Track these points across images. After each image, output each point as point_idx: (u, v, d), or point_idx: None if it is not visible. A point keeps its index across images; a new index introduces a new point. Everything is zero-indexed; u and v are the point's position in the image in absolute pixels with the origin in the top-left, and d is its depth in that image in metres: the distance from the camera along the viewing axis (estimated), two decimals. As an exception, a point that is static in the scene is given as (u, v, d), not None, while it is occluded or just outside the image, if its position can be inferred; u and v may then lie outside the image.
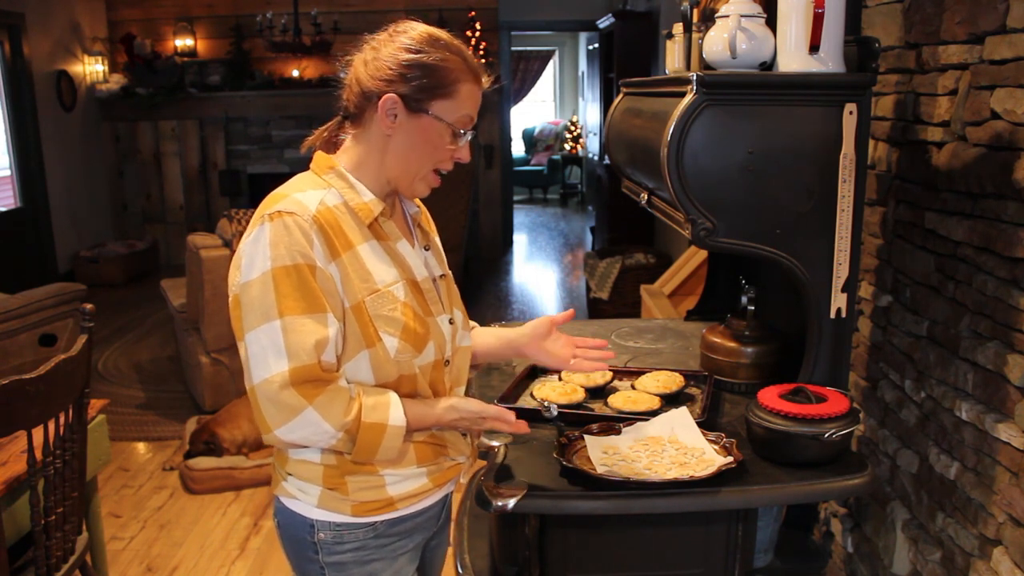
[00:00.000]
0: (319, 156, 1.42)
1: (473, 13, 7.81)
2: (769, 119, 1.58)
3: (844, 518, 2.43)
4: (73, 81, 7.35)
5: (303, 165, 1.44)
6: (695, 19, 1.93)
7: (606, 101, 7.30)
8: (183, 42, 7.85)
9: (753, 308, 1.92)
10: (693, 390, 1.90)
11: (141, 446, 4.01)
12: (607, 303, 5.36)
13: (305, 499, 1.38)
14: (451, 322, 1.45)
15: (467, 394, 1.55)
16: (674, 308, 3.79)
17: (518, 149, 12.78)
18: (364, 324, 1.31)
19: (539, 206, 12.23)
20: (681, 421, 1.61)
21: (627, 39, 6.49)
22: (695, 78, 1.53)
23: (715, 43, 1.66)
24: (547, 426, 1.67)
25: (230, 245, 4.11)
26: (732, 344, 1.92)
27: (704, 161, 1.56)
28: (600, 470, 1.45)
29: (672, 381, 1.85)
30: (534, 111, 13.60)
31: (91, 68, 7.63)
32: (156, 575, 2.92)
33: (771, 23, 1.67)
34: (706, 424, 1.65)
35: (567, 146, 12.48)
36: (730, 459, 1.47)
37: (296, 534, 1.41)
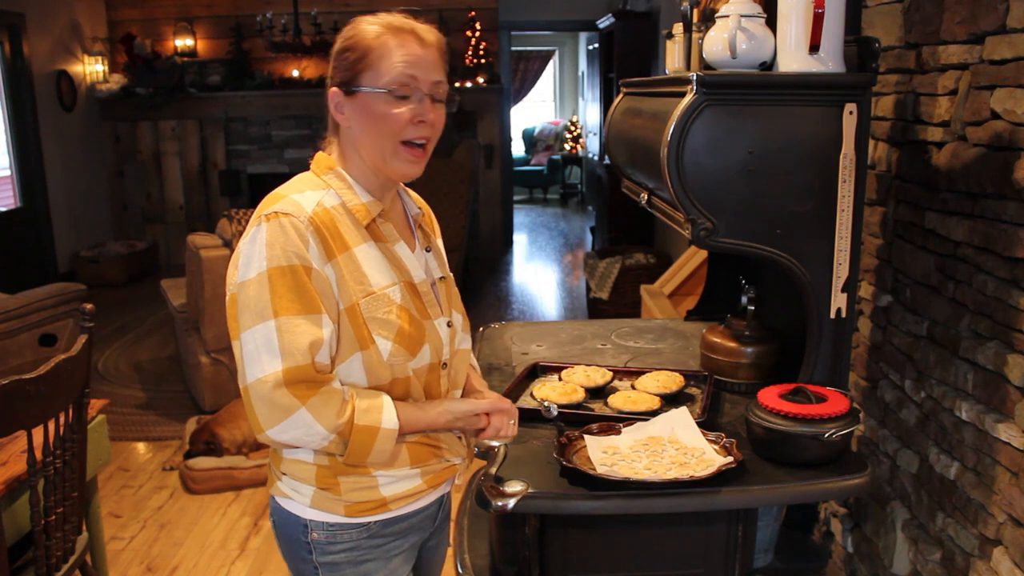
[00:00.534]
0: (319, 157, 1.42)
1: (473, 13, 7.81)
2: (769, 119, 1.58)
3: (844, 518, 2.43)
4: (73, 81, 7.35)
5: (303, 165, 1.44)
6: (695, 19, 1.93)
7: (606, 101, 7.30)
8: (183, 42, 7.85)
9: (753, 308, 1.92)
10: (693, 390, 1.90)
11: (141, 446, 4.01)
12: (607, 303, 5.36)
13: (299, 499, 1.38)
14: (449, 325, 1.45)
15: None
16: (674, 308, 3.79)
17: (518, 149, 12.78)
18: (358, 326, 1.31)
19: (539, 206, 12.23)
20: (681, 421, 1.61)
21: (627, 39, 6.49)
22: (695, 78, 1.53)
23: (715, 43, 1.66)
24: (547, 426, 1.67)
25: (230, 245, 4.11)
26: (732, 344, 1.92)
27: (704, 161, 1.56)
28: (600, 470, 1.45)
29: (672, 381, 1.85)
30: (534, 111, 13.60)
31: (91, 68, 7.63)
32: (156, 575, 2.92)
33: (771, 23, 1.67)
34: (706, 424, 1.65)
35: (567, 146, 12.48)
36: (730, 459, 1.47)
37: (291, 534, 1.41)
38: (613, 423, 1.63)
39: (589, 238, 8.88)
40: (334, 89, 1.36)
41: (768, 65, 1.67)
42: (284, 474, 1.40)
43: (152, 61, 7.72)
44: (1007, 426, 1.65)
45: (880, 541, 2.19)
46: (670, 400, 1.80)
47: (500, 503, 1.39)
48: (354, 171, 1.39)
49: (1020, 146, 1.61)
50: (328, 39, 7.49)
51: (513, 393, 1.83)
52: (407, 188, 1.55)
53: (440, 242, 1.58)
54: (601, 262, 5.58)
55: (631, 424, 1.62)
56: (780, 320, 2.00)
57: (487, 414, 1.41)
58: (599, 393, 1.86)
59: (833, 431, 1.47)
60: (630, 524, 1.60)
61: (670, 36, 2.09)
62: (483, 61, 7.89)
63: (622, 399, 1.77)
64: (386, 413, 1.31)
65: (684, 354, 2.20)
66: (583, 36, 11.69)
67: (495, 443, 1.43)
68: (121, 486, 3.59)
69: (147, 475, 3.70)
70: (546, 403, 1.60)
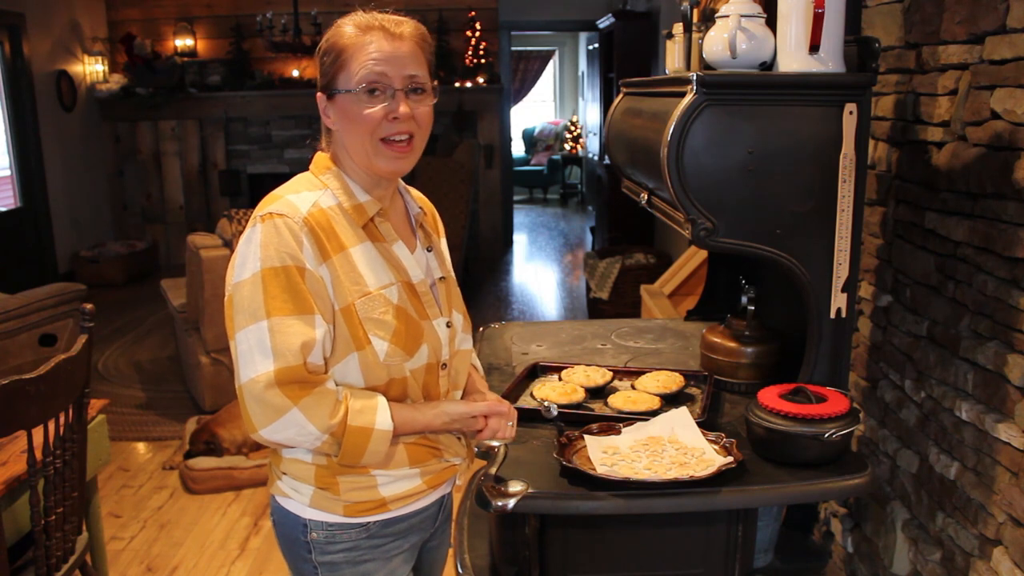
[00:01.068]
0: (318, 157, 1.42)
1: (473, 13, 7.81)
2: (769, 119, 1.58)
3: (844, 518, 2.43)
4: (73, 81, 7.35)
5: (303, 165, 1.44)
6: (695, 19, 1.93)
7: (606, 101, 7.30)
8: (183, 42, 7.85)
9: (753, 308, 1.92)
10: (693, 390, 1.90)
11: (141, 446, 4.01)
12: (607, 303, 5.36)
13: (298, 498, 1.38)
14: (449, 325, 1.44)
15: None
16: (674, 308, 3.79)
17: (518, 149, 12.78)
18: (354, 327, 1.31)
19: (539, 206, 12.23)
20: (681, 421, 1.61)
21: (627, 39, 6.49)
22: (695, 78, 1.53)
23: (715, 43, 1.66)
24: (547, 426, 1.67)
25: (230, 245, 4.11)
26: (732, 344, 1.92)
27: (704, 161, 1.56)
28: (600, 470, 1.45)
29: (672, 381, 1.85)
30: (534, 111, 13.60)
31: (91, 68, 7.63)
32: (156, 575, 2.92)
33: (771, 23, 1.67)
34: (706, 424, 1.65)
35: (567, 146, 12.48)
36: (730, 459, 1.47)
37: (290, 533, 1.41)
38: (613, 423, 1.63)
39: (589, 238, 8.88)
40: (319, 94, 1.37)
41: (768, 65, 1.67)
42: (284, 473, 1.40)
43: (152, 61, 7.72)
44: (1007, 426, 1.65)
45: (880, 541, 2.19)
46: (670, 400, 1.80)
47: (500, 503, 1.39)
48: (349, 171, 1.39)
49: (1020, 146, 1.61)
50: (328, 39, 7.48)
51: (513, 393, 1.83)
52: (409, 187, 1.55)
53: (443, 242, 1.57)
54: (601, 262, 5.58)
55: (631, 424, 1.62)
56: (780, 320, 2.00)
57: (485, 416, 1.41)
58: (599, 393, 1.86)
59: (833, 431, 1.47)
60: (630, 524, 1.60)
61: (670, 36, 2.09)
62: (483, 61, 7.89)
63: (622, 399, 1.77)
64: (380, 414, 1.30)
65: (684, 354, 2.20)
66: (583, 36, 11.69)
67: (495, 443, 1.43)
68: (121, 486, 3.59)
69: (147, 475, 3.70)
70: (546, 403, 1.60)
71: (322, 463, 1.36)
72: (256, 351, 1.25)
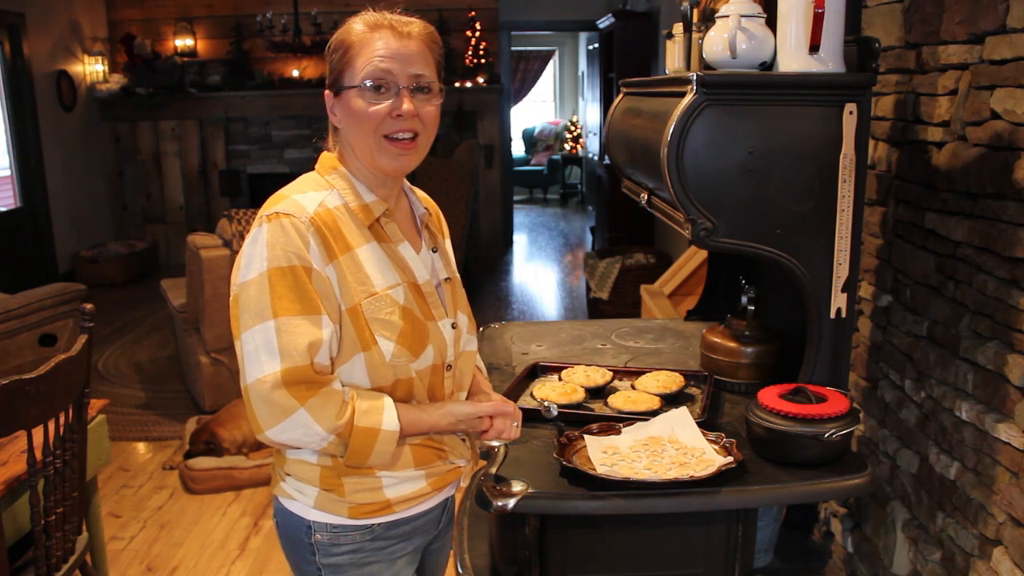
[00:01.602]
0: (324, 156, 1.42)
1: (473, 13, 7.81)
2: (769, 119, 1.58)
3: (844, 518, 2.43)
4: (73, 81, 7.35)
5: (303, 165, 1.44)
6: (695, 19, 1.93)
7: (606, 101, 7.30)
8: (183, 42, 7.85)
9: (753, 308, 1.92)
10: (693, 390, 1.90)
11: (141, 446, 4.01)
12: (607, 303, 5.36)
13: (302, 500, 1.38)
14: (454, 326, 1.44)
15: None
16: (674, 308, 3.79)
17: (518, 149, 12.78)
18: (360, 327, 1.31)
19: (539, 206, 12.23)
20: (681, 421, 1.61)
21: (627, 39, 6.49)
22: (695, 78, 1.53)
23: (715, 43, 1.66)
24: (547, 426, 1.67)
25: (230, 245, 4.11)
26: (732, 344, 1.92)
27: (704, 161, 1.56)
28: (600, 470, 1.45)
29: (672, 381, 1.85)
30: (534, 111, 13.60)
31: (91, 68, 7.63)
32: (156, 575, 2.92)
33: (771, 23, 1.67)
34: (706, 424, 1.65)
35: (567, 146, 12.48)
36: (730, 459, 1.47)
37: (294, 535, 1.41)
38: (613, 423, 1.63)
39: (589, 238, 8.88)
40: (326, 91, 1.37)
41: (768, 65, 1.67)
42: (288, 475, 1.40)
43: (152, 61, 7.72)
44: (1007, 426, 1.65)
45: (880, 541, 2.19)
46: (670, 400, 1.80)
47: (500, 503, 1.39)
48: (355, 170, 1.39)
49: (1020, 146, 1.61)
50: (328, 39, 7.48)
51: (513, 393, 1.83)
52: (414, 188, 1.55)
53: (448, 243, 1.57)
54: (601, 262, 5.58)
55: (631, 424, 1.62)
56: (780, 320, 2.00)
57: (490, 417, 1.41)
58: (599, 393, 1.86)
59: (833, 431, 1.48)
60: (630, 524, 1.60)
61: (670, 36, 2.09)
62: (483, 61, 7.89)
63: (622, 399, 1.77)
64: (387, 415, 1.30)
65: (684, 354, 2.20)
66: (583, 36, 11.68)
67: (495, 443, 1.43)
68: (121, 486, 3.59)
69: (147, 475, 3.70)
70: (546, 403, 1.60)
71: (327, 464, 1.36)
72: (263, 351, 1.24)
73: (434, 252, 1.48)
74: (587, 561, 1.63)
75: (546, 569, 1.62)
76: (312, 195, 1.34)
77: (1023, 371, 1.62)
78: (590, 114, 10.22)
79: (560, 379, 1.91)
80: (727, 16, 1.63)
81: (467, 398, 1.52)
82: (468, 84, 7.83)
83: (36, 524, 1.91)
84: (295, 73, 7.84)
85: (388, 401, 1.32)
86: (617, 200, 6.30)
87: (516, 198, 11.29)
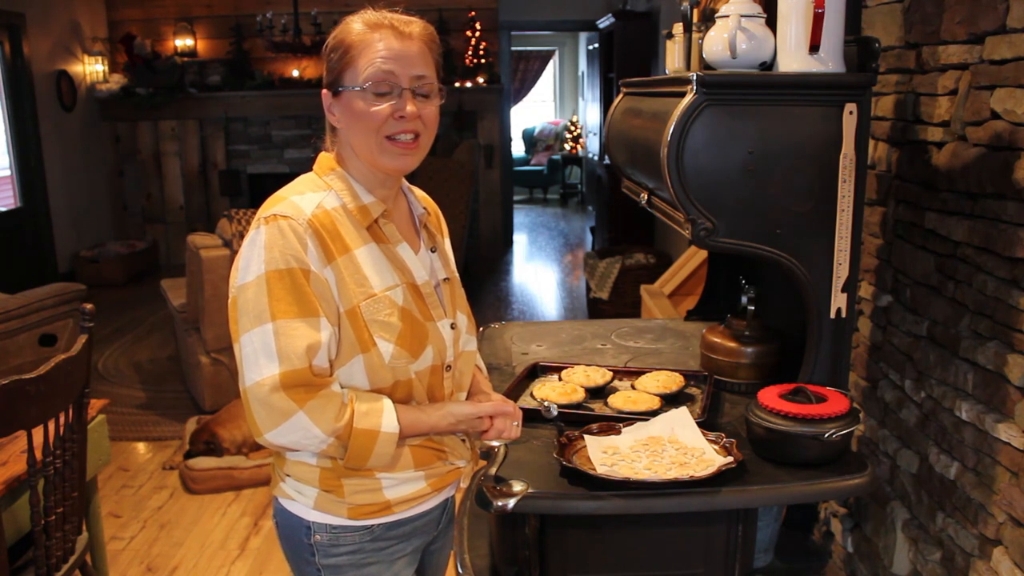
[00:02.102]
0: (322, 157, 1.41)
1: (473, 13, 7.81)
2: (769, 119, 1.58)
3: (844, 518, 2.43)
4: (73, 81, 7.35)
5: (303, 165, 1.43)
6: (695, 19, 1.93)
7: (606, 101, 7.30)
8: (183, 42, 7.85)
9: (753, 308, 1.92)
10: (693, 390, 1.90)
11: (141, 446, 4.01)
12: (607, 303, 5.36)
13: (302, 500, 1.38)
14: (453, 327, 1.44)
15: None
16: (674, 308, 3.79)
17: (518, 149, 12.77)
18: (359, 329, 1.31)
19: (539, 206, 12.23)
20: (681, 421, 1.61)
21: (627, 39, 6.49)
22: (695, 78, 1.53)
23: (715, 43, 1.66)
24: (547, 426, 1.67)
25: (230, 245, 4.11)
26: (732, 344, 1.92)
27: (704, 161, 1.56)
28: (600, 470, 1.45)
29: (672, 381, 1.85)
30: (534, 111, 13.59)
31: (91, 68, 7.63)
32: (156, 575, 2.92)
33: (771, 23, 1.67)
34: (706, 424, 1.65)
35: (567, 146, 12.48)
36: (730, 459, 1.47)
37: (293, 535, 1.41)
38: (613, 423, 1.63)
39: (589, 238, 8.88)
40: (324, 91, 1.37)
41: (768, 65, 1.67)
42: (288, 475, 1.40)
43: (152, 61, 7.72)
44: (1007, 426, 1.65)
45: (880, 541, 2.19)
46: (670, 400, 1.80)
47: (500, 503, 1.39)
48: (354, 170, 1.38)
49: (1020, 146, 1.61)
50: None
51: (513, 393, 1.83)
52: (413, 187, 1.54)
53: (447, 243, 1.56)
54: (601, 262, 5.58)
55: (631, 424, 1.62)
56: (780, 320, 2.00)
57: (490, 417, 1.41)
58: (599, 393, 1.86)
59: (833, 431, 1.47)
60: (630, 524, 1.60)
61: (670, 36, 2.09)
62: (483, 61, 7.89)
63: (622, 399, 1.77)
64: (386, 416, 1.30)
65: (684, 354, 2.20)
66: (583, 36, 11.68)
67: (496, 443, 1.43)
68: (121, 486, 3.59)
69: (147, 475, 3.70)
70: (546, 403, 1.60)
71: (327, 465, 1.36)
72: (261, 354, 1.24)
73: (433, 252, 1.47)
74: (587, 561, 1.63)
75: (546, 569, 1.62)
76: (310, 196, 1.33)
77: (1023, 371, 1.62)
78: (590, 114, 10.22)
79: (560, 379, 1.91)
80: (727, 16, 1.63)
81: (467, 398, 1.51)
82: (468, 84, 7.83)
83: (36, 524, 1.91)
84: (295, 73, 7.85)
85: (387, 403, 1.31)
86: (617, 200, 6.30)
87: (516, 198, 11.29)
